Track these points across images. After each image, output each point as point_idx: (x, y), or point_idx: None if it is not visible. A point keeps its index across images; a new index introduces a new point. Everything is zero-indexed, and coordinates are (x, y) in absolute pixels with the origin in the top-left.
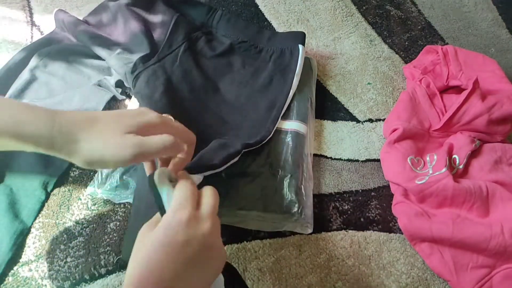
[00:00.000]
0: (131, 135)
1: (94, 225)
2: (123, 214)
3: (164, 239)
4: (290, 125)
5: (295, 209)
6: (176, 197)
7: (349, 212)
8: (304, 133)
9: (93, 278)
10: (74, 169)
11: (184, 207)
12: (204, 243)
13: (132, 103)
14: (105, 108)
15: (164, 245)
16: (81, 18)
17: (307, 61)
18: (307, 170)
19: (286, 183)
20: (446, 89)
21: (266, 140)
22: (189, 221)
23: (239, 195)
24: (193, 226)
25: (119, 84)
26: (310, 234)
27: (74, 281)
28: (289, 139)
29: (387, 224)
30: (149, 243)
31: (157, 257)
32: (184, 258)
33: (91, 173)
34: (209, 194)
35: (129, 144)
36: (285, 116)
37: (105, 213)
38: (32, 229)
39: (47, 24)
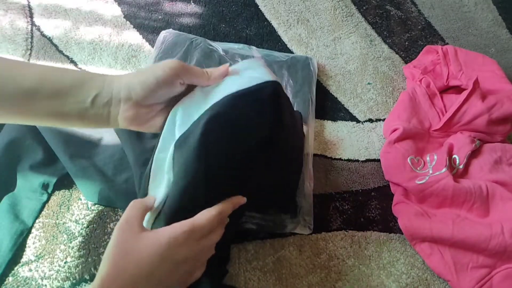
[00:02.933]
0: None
1: (94, 225)
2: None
3: (167, 253)
4: None
5: (295, 210)
6: (202, 215)
7: (349, 212)
8: (304, 133)
9: (93, 278)
10: None
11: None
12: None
13: None
14: None
15: (166, 260)
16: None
17: (307, 60)
18: (308, 170)
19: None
20: (446, 89)
21: None
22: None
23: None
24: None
25: None
26: (310, 234)
27: (74, 281)
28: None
29: (387, 224)
30: (149, 249)
31: (155, 267)
32: (174, 272)
33: None
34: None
35: None
36: None
37: (105, 213)
38: (32, 229)
39: (47, 24)
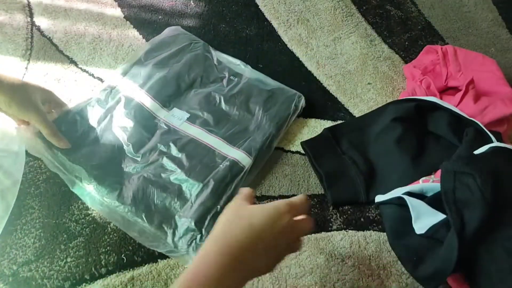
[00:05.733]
0: None
1: (94, 225)
2: None
3: (272, 219)
4: (233, 153)
5: (187, 237)
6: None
7: (349, 212)
8: (243, 167)
9: (93, 278)
10: None
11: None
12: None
13: None
14: None
15: (272, 226)
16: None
17: (294, 96)
18: (223, 204)
19: (195, 206)
20: (445, 89)
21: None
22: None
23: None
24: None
25: None
26: (310, 234)
27: (74, 281)
28: (222, 165)
29: None
30: (259, 215)
31: (263, 231)
32: (278, 240)
33: None
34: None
35: None
36: (233, 142)
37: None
38: (32, 229)
39: (47, 24)
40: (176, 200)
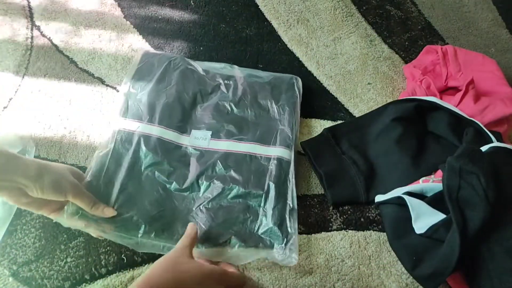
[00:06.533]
0: None
1: None
2: None
3: (204, 278)
4: (274, 151)
5: (279, 243)
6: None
7: (349, 212)
8: (289, 159)
9: (93, 278)
10: None
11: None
12: None
13: None
14: None
15: (200, 282)
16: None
17: (292, 80)
18: (292, 199)
19: (268, 214)
20: (445, 90)
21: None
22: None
23: (218, 230)
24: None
25: None
26: (310, 234)
27: (74, 281)
28: (272, 166)
29: None
30: (195, 270)
31: (192, 281)
32: None
33: None
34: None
35: None
36: (267, 142)
37: None
38: (32, 229)
39: (47, 24)
40: (248, 215)
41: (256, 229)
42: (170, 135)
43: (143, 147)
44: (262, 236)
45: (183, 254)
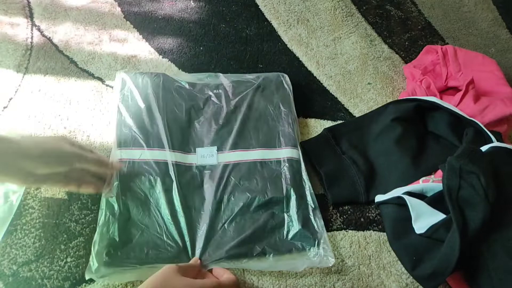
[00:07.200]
0: None
1: (94, 225)
2: None
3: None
4: (282, 153)
5: (311, 244)
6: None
7: (349, 212)
8: (298, 158)
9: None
10: None
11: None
12: None
13: None
14: None
15: None
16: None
17: (280, 78)
18: (311, 198)
19: (294, 218)
20: (445, 90)
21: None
22: None
23: (249, 244)
24: None
25: None
26: None
27: (74, 281)
28: (284, 169)
29: None
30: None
31: None
32: None
33: None
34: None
35: None
36: (272, 145)
37: None
38: (32, 229)
39: (47, 24)
40: (274, 223)
41: (285, 235)
42: (177, 157)
43: (152, 173)
44: (293, 241)
45: (173, 271)
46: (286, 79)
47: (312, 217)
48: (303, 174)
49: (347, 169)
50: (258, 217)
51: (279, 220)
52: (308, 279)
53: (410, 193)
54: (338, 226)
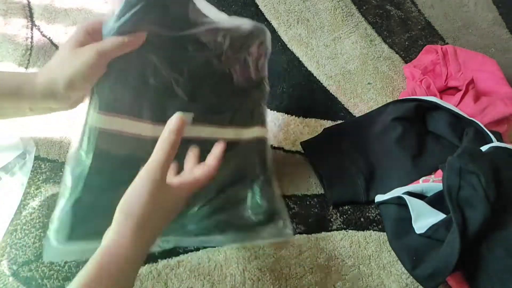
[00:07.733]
0: None
1: None
2: None
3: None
4: (251, 132)
5: (271, 218)
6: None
7: (349, 212)
8: (266, 138)
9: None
10: None
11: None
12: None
13: None
14: None
15: (179, 204)
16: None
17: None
18: (272, 173)
19: (256, 192)
20: (445, 89)
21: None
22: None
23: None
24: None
25: None
26: (310, 234)
27: None
28: (253, 147)
29: None
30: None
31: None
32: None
33: None
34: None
35: None
36: (242, 123)
37: None
38: (32, 229)
39: (47, 24)
40: (237, 198)
41: (247, 211)
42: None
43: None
44: (254, 215)
45: (160, 179)
46: (265, 36)
47: (272, 191)
48: (266, 150)
49: (347, 169)
50: (223, 197)
51: (242, 196)
52: (308, 279)
53: (410, 193)
54: (338, 226)
